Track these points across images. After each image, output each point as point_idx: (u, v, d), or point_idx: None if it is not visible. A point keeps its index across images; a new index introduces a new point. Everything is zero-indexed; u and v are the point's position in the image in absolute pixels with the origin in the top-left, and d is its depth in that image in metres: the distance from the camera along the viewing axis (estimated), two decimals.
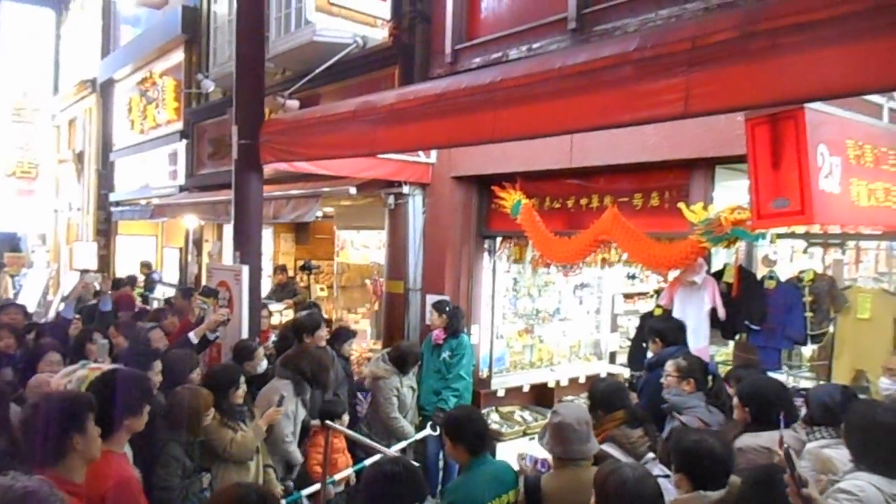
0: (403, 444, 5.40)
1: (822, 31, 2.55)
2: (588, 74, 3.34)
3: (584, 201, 6.03)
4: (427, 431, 5.68)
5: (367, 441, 4.31)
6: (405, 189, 7.12)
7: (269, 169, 6.38)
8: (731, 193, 5.03)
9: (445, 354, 6.05)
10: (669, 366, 4.11)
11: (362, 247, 9.03)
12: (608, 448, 3.42)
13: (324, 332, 5.69)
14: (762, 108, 3.06)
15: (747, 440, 3.24)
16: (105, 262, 15.17)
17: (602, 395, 3.75)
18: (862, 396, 3.72)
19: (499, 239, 7.00)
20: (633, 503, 2.37)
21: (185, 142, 11.61)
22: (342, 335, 6.01)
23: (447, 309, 6.15)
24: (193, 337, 5.33)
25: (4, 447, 3.25)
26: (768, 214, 3.09)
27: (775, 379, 3.78)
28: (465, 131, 4.10)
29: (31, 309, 9.71)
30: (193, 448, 3.93)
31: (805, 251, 5.49)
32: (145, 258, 13.26)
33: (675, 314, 5.02)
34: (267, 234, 11.68)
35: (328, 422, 4.22)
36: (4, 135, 19.90)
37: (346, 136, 5.02)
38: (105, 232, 15.75)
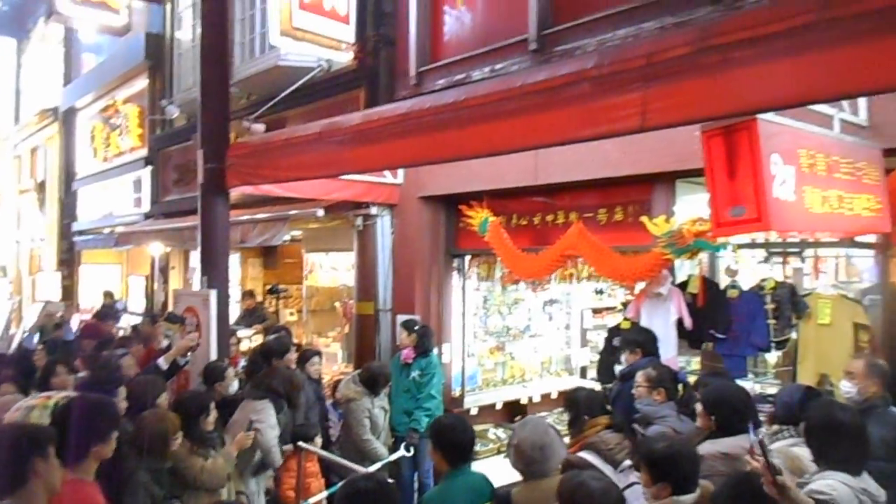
0: (377, 465, 5.37)
1: (771, 45, 2.65)
2: (548, 92, 3.42)
3: (549, 217, 6.12)
4: (401, 452, 5.67)
5: (341, 460, 4.29)
6: (373, 210, 7.15)
7: (235, 193, 6.36)
8: (692, 207, 5.15)
9: (415, 374, 6.04)
10: (640, 376, 4.17)
11: (331, 269, 8.99)
12: (586, 455, 3.45)
13: (293, 356, 5.69)
14: (717, 119, 3.15)
15: (708, 447, 3.29)
16: (69, 292, 14.87)
17: (586, 400, 3.82)
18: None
19: (467, 257, 7.06)
20: None
21: (149, 168, 11.50)
22: (306, 355, 5.98)
23: (416, 328, 6.16)
24: (163, 363, 5.26)
25: None
26: (727, 222, 3.18)
27: (739, 386, 3.86)
28: (430, 150, 4.15)
29: None
30: (162, 475, 3.86)
31: (766, 260, 5.63)
32: (109, 287, 13.02)
33: (643, 325, 5.10)
34: (234, 259, 11.57)
35: (301, 443, 4.17)
36: None
37: (313, 158, 5.04)
38: (68, 262, 15.45)
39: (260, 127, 7.31)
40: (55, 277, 15.06)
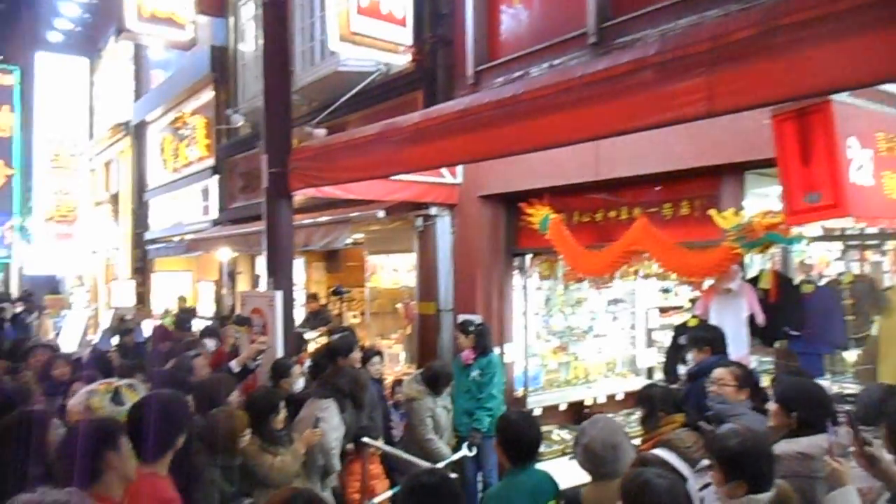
0: (440, 465, 5.35)
1: (842, 22, 2.53)
2: (610, 81, 3.36)
3: (612, 214, 6.00)
4: (464, 452, 5.64)
5: (405, 455, 4.28)
6: (433, 210, 7.17)
7: (299, 197, 6.48)
8: (763, 201, 4.97)
9: (475, 374, 6.00)
10: (724, 374, 3.98)
11: (392, 271, 9.05)
12: (661, 453, 3.34)
13: (357, 355, 5.72)
14: (787, 102, 3.03)
15: (784, 447, 3.12)
16: (143, 299, 15.45)
17: (662, 396, 3.71)
18: None
19: (528, 256, 6.98)
20: None
21: (216, 177, 11.85)
22: (367, 355, 6.02)
23: (471, 328, 6.12)
24: (235, 365, 5.38)
25: (42, 473, 3.28)
26: (801, 210, 3.05)
27: (817, 383, 3.69)
28: (490, 145, 4.13)
29: (72, 349, 9.91)
30: (232, 472, 3.94)
31: (843, 255, 5.39)
32: (181, 293, 13.48)
33: (712, 323, 4.94)
34: (299, 263, 11.77)
35: (365, 439, 4.19)
36: (43, 181, 20.54)
37: (373, 158, 5.09)
38: (142, 270, 16.07)
39: (321, 132, 7.44)
40: (129, 285, 15.68)
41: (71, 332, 13.96)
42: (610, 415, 6.85)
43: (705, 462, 3.31)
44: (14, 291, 21.84)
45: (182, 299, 12.39)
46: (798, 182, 3.04)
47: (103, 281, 19.00)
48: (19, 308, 14.80)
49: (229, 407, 4.25)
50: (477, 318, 6.53)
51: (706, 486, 3.05)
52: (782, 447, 3.13)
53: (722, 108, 2.93)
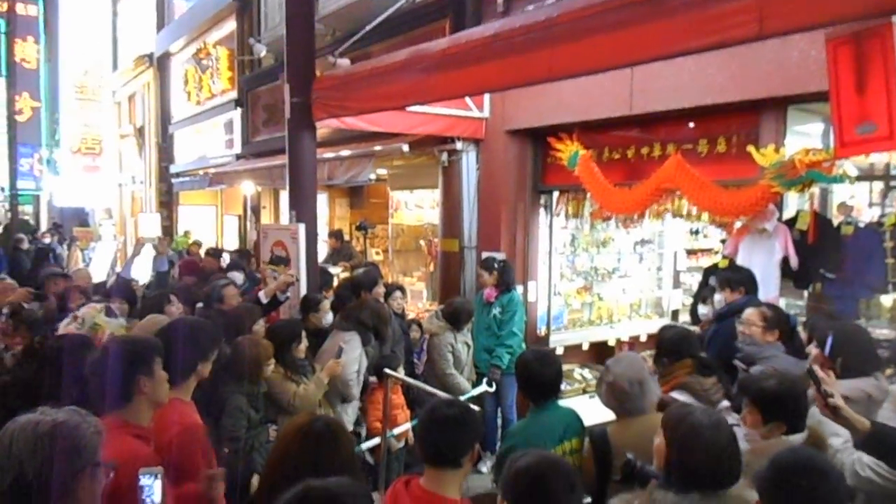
0: (461, 399, 5.35)
1: None
2: (651, 1, 3.14)
3: (644, 150, 5.79)
4: (483, 387, 5.64)
5: (426, 387, 4.27)
6: (458, 145, 7.00)
7: (322, 131, 6.33)
8: (804, 140, 4.75)
9: (496, 311, 5.94)
10: (753, 315, 3.86)
11: (416, 207, 8.96)
12: (678, 395, 3.28)
13: (381, 289, 5.68)
14: (844, 22, 2.80)
15: None
16: (168, 232, 15.56)
17: (670, 342, 3.59)
18: None
19: (555, 193, 6.83)
20: (708, 451, 2.16)
21: (239, 110, 11.71)
22: (389, 289, 5.98)
23: (495, 265, 6.02)
24: (263, 297, 5.37)
25: (77, 396, 3.29)
26: (853, 141, 2.85)
27: (861, 326, 3.56)
28: (521, 72, 3.93)
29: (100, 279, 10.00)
30: (258, 399, 3.97)
31: (885, 195, 5.16)
32: (205, 229, 13.55)
33: (740, 263, 4.80)
34: (322, 199, 11.73)
35: (386, 370, 4.18)
36: (69, 113, 20.55)
37: (399, 87, 4.91)
38: (167, 203, 16.16)
39: (345, 61, 7.21)
40: (155, 218, 15.78)
41: (100, 263, 14.14)
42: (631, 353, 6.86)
43: (725, 403, 3.24)
44: (44, 224, 22.17)
45: (187, 234, 12.43)
46: (851, 112, 2.84)
47: (130, 214, 19.17)
48: (47, 239, 15.03)
49: (254, 335, 4.24)
50: (500, 256, 6.43)
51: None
52: None
53: (773, 29, 2.73)
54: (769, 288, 4.65)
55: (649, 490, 2.26)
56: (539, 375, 3.16)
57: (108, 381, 2.51)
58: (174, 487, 2.47)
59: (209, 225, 14.22)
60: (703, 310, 5.19)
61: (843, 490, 1.90)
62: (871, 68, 2.79)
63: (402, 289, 6.18)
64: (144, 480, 2.03)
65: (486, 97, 6.80)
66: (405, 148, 6.91)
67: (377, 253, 10.62)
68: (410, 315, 6.92)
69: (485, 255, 6.51)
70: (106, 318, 3.98)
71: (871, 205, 5.40)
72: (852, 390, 2.98)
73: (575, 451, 3.13)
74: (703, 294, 5.30)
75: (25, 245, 12.82)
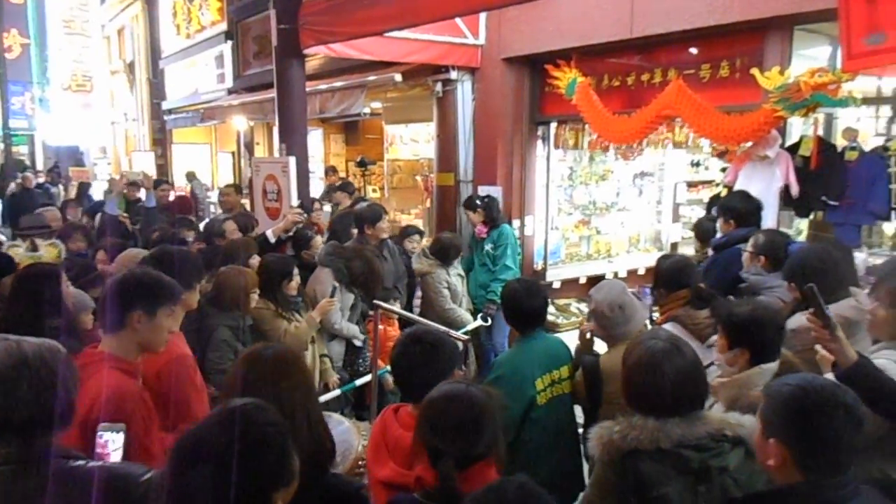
0: (461, 332, 5.30)
1: None
2: None
3: (645, 77, 5.60)
4: (479, 322, 5.60)
5: (420, 319, 4.18)
6: (453, 75, 6.77)
7: (313, 62, 6.12)
8: (809, 63, 4.55)
9: (489, 247, 5.84)
10: (750, 241, 3.78)
11: (411, 141, 8.77)
12: (671, 328, 3.20)
13: (385, 225, 5.45)
14: None
15: (800, 319, 2.86)
16: (163, 171, 15.37)
17: (666, 272, 3.48)
18: None
19: (553, 124, 6.65)
20: (659, 377, 2.01)
21: (230, 43, 11.36)
22: (408, 230, 5.90)
23: (478, 203, 5.89)
24: (271, 235, 5.28)
25: (60, 324, 3.21)
26: (861, 53, 2.68)
27: (828, 247, 3.36)
28: None
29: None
30: (244, 332, 3.89)
31: (892, 120, 5.00)
32: (198, 166, 13.33)
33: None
34: (317, 135, 11.53)
35: (378, 302, 4.09)
36: (58, 49, 20.04)
37: (391, 8, 4.71)
38: (161, 141, 15.90)
39: None
40: (149, 156, 15.55)
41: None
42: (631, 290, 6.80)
43: (715, 338, 3.15)
44: (39, 164, 21.93)
45: (191, 174, 12.26)
46: (860, 21, 2.65)
47: (124, 152, 18.92)
48: (41, 179, 14.86)
49: (239, 265, 4.15)
50: (491, 190, 6.29)
51: (712, 364, 2.88)
52: (798, 319, 2.90)
53: None
54: (767, 216, 4.53)
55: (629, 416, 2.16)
56: (524, 304, 3.08)
57: (106, 307, 2.41)
58: (164, 429, 2.41)
59: (204, 163, 14.00)
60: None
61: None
62: None
63: (420, 233, 6.04)
64: (107, 436, 1.89)
65: (482, 24, 6.54)
66: (398, 78, 6.71)
67: (374, 190, 10.48)
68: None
69: (470, 197, 6.29)
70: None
71: (876, 134, 5.25)
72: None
73: (563, 380, 3.08)
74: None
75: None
